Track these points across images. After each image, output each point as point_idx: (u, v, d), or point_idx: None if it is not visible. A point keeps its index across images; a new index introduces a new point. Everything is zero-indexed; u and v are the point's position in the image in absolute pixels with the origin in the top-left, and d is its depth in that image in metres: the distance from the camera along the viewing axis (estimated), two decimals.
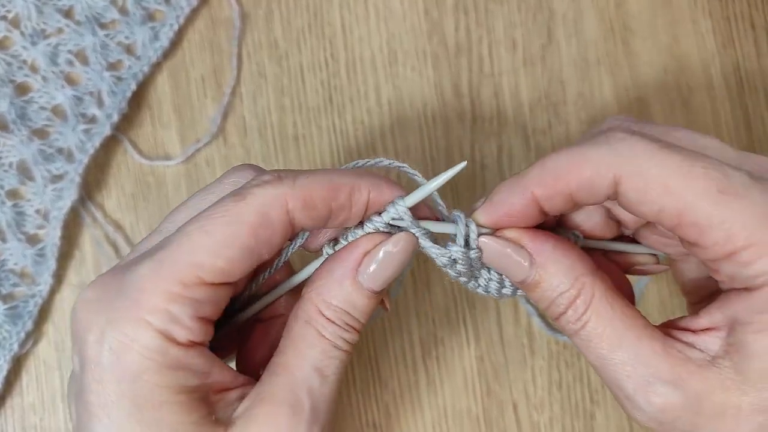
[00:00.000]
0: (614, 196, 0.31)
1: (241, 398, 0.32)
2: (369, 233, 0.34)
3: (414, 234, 0.33)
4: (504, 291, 0.36)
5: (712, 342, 0.31)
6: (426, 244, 0.34)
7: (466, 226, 0.33)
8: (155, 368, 0.30)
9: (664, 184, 0.30)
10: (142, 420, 0.30)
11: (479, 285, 0.36)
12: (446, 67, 0.49)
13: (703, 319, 0.32)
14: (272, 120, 0.49)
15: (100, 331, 0.30)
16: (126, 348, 0.29)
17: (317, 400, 0.32)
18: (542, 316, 0.48)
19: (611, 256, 0.38)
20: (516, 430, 0.48)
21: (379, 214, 0.33)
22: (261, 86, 0.49)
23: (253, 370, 0.35)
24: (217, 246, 0.30)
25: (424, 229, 0.34)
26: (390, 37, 0.49)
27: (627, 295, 0.37)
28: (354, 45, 0.49)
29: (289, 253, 0.35)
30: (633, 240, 0.38)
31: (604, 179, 0.30)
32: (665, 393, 0.31)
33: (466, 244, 0.34)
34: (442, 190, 0.46)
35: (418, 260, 0.48)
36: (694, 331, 0.32)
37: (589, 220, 0.37)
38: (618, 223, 0.37)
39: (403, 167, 0.36)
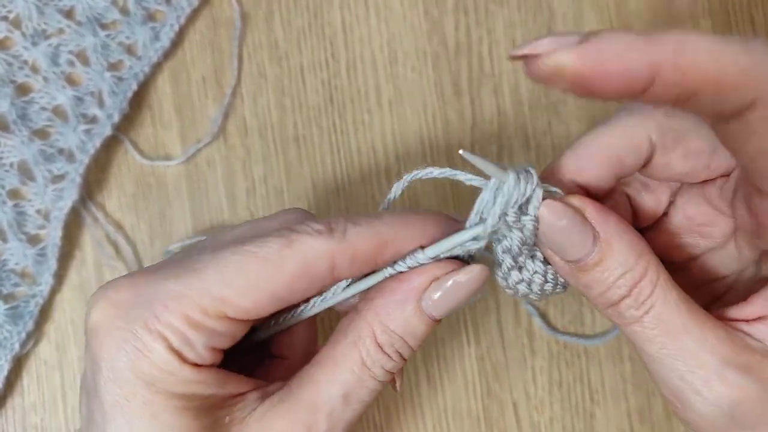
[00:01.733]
0: (733, 114, 0.26)
1: (262, 398, 0.32)
2: (439, 260, 0.31)
3: (487, 268, 0.31)
4: (546, 287, 0.32)
5: (766, 331, 0.29)
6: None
7: (531, 186, 0.29)
8: (168, 379, 0.30)
9: None
10: (154, 422, 0.30)
11: (522, 279, 0.32)
12: (446, 67, 0.49)
13: (756, 306, 0.30)
14: (273, 120, 0.49)
15: (120, 336, 0.30)
16: (141, 356, 0.29)
17: (335, 426, 0.32)
18: (543, 316, 0.48)
19: None
20: (516, 429, 0.48)
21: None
22: (261, 86, 0.49)
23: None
24: (249, 287, 0.30)
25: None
26: (390, 37, 0.49)
27: None
28: (354, 45, 0.49)
29: (316, 305, 0.34)
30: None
31: (744, 93, 0.25)
32: (739, 381, 0.28)
33: (521, 210, 0.29)
34: (444, 195, 0.46)
35: None
36: (746, 321, 0.30)
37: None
38: (634, 215, 0.36)
39: (455, 175, 0.32)
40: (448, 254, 0.31)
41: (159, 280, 0.30)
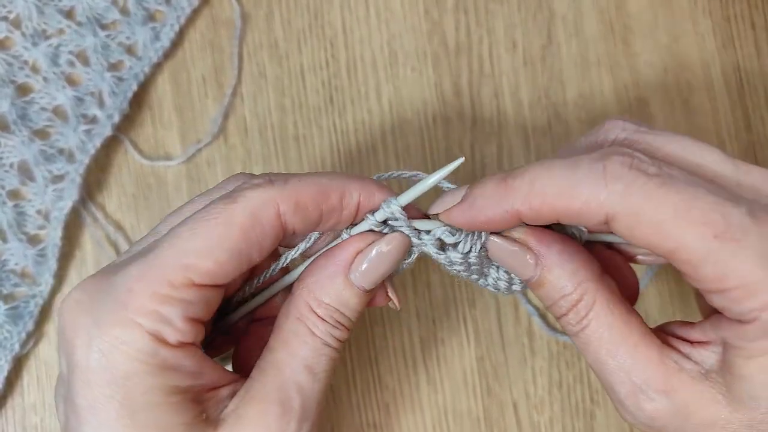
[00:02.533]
0: (605, 227, 0.31)
1: (232, 395, 0.32)
2: (362, 232, 0.34)
3: (407, 234, 0.34)
4: (514, 287, 0.36)
5: (707, 356, 0.32)
6: (429, 249, 0.34)
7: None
8: (145, 370, 0.29)
9: (658, 227, 0.29)
10: (132, 422, 0.29)
11: (488, 283, 0.36)
12: (446, 68, 0.49)
13: (698, 333, 0.32)
14: (273, 120, 0.49)
15: (87, 334, 0.29)
16: (114, 350, 0.29)
17: (307, 398, 0.32)
18: (543, 317, 0.48)
19: (615, 246, 0.38)
20: (516, 430, 0.48)
21: (373, 213, 0.34)
22: (262, 86, 0.49)
23: (248, 370, 0.35)
24: (206, 247, 0.30)
25: (415, 228, 0.34)
26: (390, 37, 0.49)
27: (632, 286, 0.38)
28: (354, 45, 0.49)
29: (288, 259, 0.35)
30: None
31: (595, 214, 0.30)
32: (655, 401, 0.31)
33: (477, 248, 0.34)
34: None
35: (417, 259, 0.48)
36: (691, 342, 0.32)
37: None
38: None
39: (418, 175, 0.36)
40: (417, 195, 0.34)
41: (119, 270, 0.30)
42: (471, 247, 0.34)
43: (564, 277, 0.33)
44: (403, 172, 0.37)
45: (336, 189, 0.33)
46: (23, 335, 0.46)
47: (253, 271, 0.37)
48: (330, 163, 0.49)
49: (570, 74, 0.49)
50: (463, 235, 0.34)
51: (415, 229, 0.34)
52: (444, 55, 0.49)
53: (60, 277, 0.47)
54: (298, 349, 0.33)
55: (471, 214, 0.33)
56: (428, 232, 0.34)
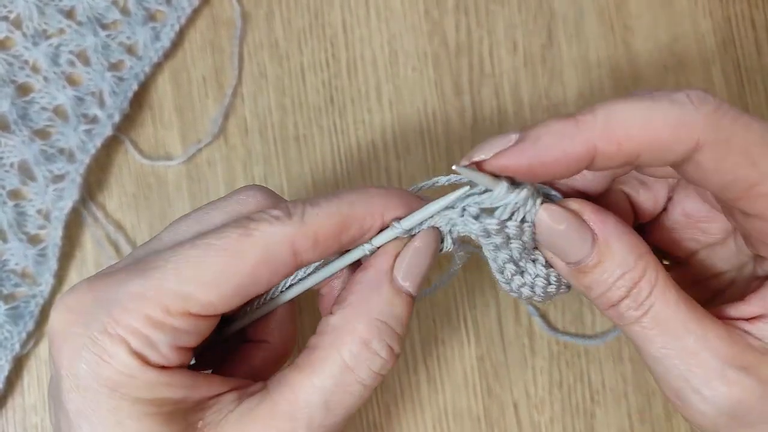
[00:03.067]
0: (682, 162, 0.28)
1: (240, 399, 0.31)
2: (389, 241, 0.32)
3: (435, 227, 0.31)
4: (549, 289, 0.32)
5: (764, 329, 0.29)
6: (469, 225, 0.30)
7: (525, 194, 0.29)
8: (132, 383, 0.28)
9: (746, 153, 0.27)
10: (120, 430, 0.28)
11: (524, 283, 0.32)
12: (447, 68, 0.49)
13: (754, 306, 0.30)
14: (273, 120, 0.49)
15: (77, 342, 0.28)
16: (102, 363, 0.28)
17: None
18: (543, 317, 0.48)
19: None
20: (517, 429, 0.48)
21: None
22: (262, 86, 0.49)
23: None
24: (211, 280, 0.29)
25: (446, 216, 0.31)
26: (391, 37, 0.49)
27: None
28: (355, 45, 0.49)
29: (287, 285, 0.33)
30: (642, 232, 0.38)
31: (684, 143, 0.27)
32: (740, 380, 0.28)
33: (519, 217, 0.30)
34: (443, 192, 0.46)
35: None
36: (745, 320, 0.30)
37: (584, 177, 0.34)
38: (634, 213, 0.36)
39: (459, 179, 0.32)
40: (422, 226, 0.31)
41: (117, 282, 0.29)
42: (512, 214, 0.29)
43: (624, 251, 0.29)
44: (438, 178, 0.34)
45: (357, 218, 0.30)
46: (24, 335, 0.46)
47: None
48: (330, 163, 0.49)
49: (570, 74, 0.49)
50: (505, 198, 0.29)
51: (446, 215, 0.31)
52: (444, 55, 0.49)
53: (60, 277, 0.47)
54: (322, 381, 0.30)
55: (534, 154, 0.28)
56: (453, 208, 0.31)
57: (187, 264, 0.29)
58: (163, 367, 0.29)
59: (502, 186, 0.29)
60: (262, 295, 0.34)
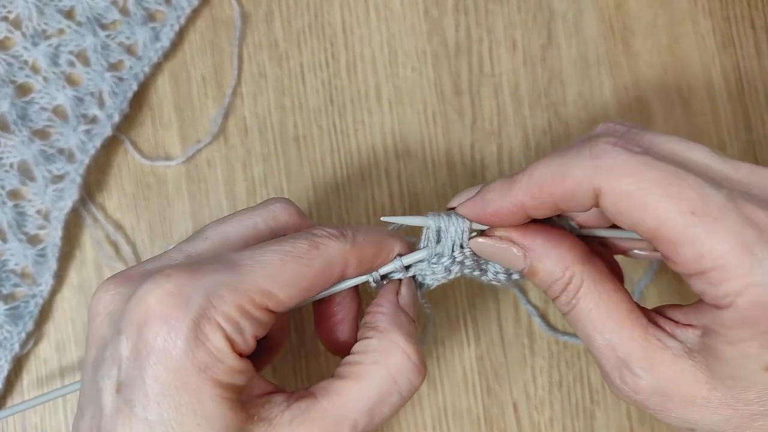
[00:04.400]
0: (598, 218, 0.35)
1: (288, 402, 0.34)
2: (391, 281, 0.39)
3: (411, 278, 0.39)
4: (513, 277, 0.39)
5: (690, 336, 0.33)
6: (428, 275, 0.39)
7: (455, 234, 0.37)
8: (219, 367, 0.31)
9: (639, 200, 0.31)
10: (199, 411, 0.31)
11: (490, 278, 0.40)
12: (446, 67, 0.49)
13: (682, 316, 0.34)
14: (273, 120, 0.49)
15: (178, 323, 0.31)
16: (199, 343, 0.31)
17: None
18: (543, 317, 0.48)
19: (608, 241, 0.39)
20: (516, 429, 0.48)
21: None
22: (261, 86, 0.49)
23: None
24: (288, 281, 0.33)
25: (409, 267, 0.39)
26: (390, 37, 0.49)
27: (617, 276, 0.39)
28: (354, 45, 0.49)
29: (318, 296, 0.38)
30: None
31: (585, 191, 0.32)
32: (637, 375, 0.33)
33: (460, 246, 0.38)
34: (443, 191, 0.46)
35: None
36: (676, 322, 0.34)
37: (582, 212, 0.38)
38: None
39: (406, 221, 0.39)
40: (407, 272, 0.39)
41: (211, 273, 0.32)
42: (452, 249, 0.38)
43: (551, 263, 0.35)
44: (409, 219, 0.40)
45: (386, 248, 0.37)
46: (23, 335, 0.46)
47: None
48: (330, 163, 0.49)
49: (570, 74, 0.49)
50: (446, 248, 0.38)
51: (408, 267, 0.39)
52: (444, 54, 0.49)
53: (60, 277, 0.47)
54: (370, 391, 0.34)
55: (481, 207, 0.36)
56: (421, 261, 0.39)
57: (271, 266, 0.33)
58: (241, 355, 0.32)
59: (427, 219, 0.37)
60: None
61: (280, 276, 0.33)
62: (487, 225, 0.36)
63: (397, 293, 0.38)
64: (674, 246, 0.30)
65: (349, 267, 0.36)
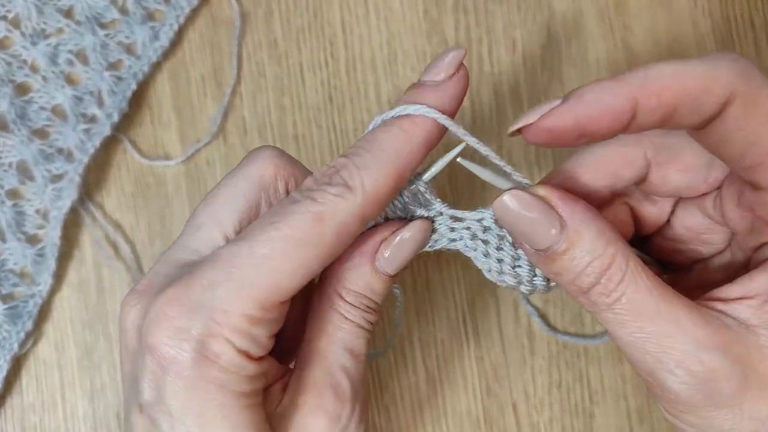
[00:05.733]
0: (715, 117, 0.29)
1: (283, 389, 0.33)
2: (388, 221, 0.34)
3: (428, 220, 0.34)
4: (536, 281, 0.34)
5: (743, 310, 0.30)
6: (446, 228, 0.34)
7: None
8: (237, 380, 0.30)
9: None
10: (226, 424, 0.30)
11: (499, 267, 0.34)
12: None
13: (737, 288, 0.31)
14: (272, 119, 0.49)
15: (183, 347, 0.30)
16: (211, 363, 0.30)
17: (354, 379, 0.33)
18: (543, 317, 0.48)
19: None
20: (516, 430, 0.48)
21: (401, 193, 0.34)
22: (261, 86, 0.49)
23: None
24: (296, 269, 0.30)
25: (444, 208, 0.34)
26: (390, 36, 0.49)
27: None
28: (354, 44, 0.49)
29: None
30: (642, 248, 0.38)
31: (717, 96, 0.28)
32: (712, 360, 0.29)
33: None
34: (443, 191, 0.46)
35: (417, 259, 0.48)
36: (724, 300, 0.31)
37: (612, 217, 0.36)
38: (637, 224, 0.37)
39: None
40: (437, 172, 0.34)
41: (208, 285, 0.30)
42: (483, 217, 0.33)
43: (592, 237, 0.30)
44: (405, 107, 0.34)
45: (409, 166, 0.31)
46: (22, 335, 0.46)
47: None
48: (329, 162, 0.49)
49: (570, 74, 0.49)
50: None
51: (444, 207, 0.34)
52: None
53: (59, 276, 0.47)
54: (337, 335, 0.33)
55: (579, 110, 0.29)
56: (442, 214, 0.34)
57: (273, 259, 0.30)
58: (260, 358, 0.31)
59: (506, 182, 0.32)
60: None
61: (286, 267, 0.30)
62: (584, 136, 0.29)
63: (381, 243, 0.34)
64: None
65: (368, 218, 0.31)
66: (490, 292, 0.48)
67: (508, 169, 0.33)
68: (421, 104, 0.31)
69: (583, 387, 0.48)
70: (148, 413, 0.31)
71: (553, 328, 0.48)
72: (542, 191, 0.31)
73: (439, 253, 0.48)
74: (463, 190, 0.48)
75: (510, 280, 0.34)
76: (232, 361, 0.30)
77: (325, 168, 0.32)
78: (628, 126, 0.29)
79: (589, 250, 0.30)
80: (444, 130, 0.32)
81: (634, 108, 0.28)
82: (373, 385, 0.48)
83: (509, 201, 0.31)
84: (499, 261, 0.34)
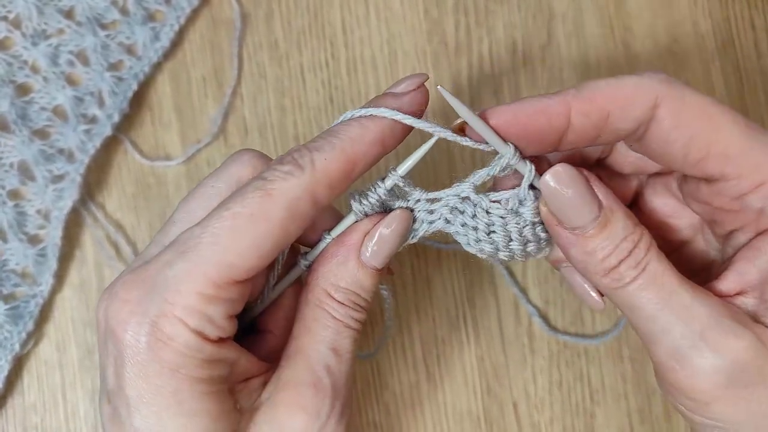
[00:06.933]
0: (645, 126, 0.31)
1: (263, 385, 0.34)
2: (371, 215, 0.35)
3: (407, 210, 0.35)
4: (512, 246, 0.35)
5: (746, 302, 0.31)
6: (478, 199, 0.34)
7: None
8: (192, 363, 0.30)
9: (700, 108, 0.30)
10: (181, 411, 0.30)
11: (513, 248, 0.35)
12: (446, 67, 0.49)
13: (731, 283, 0.32)
14: (273, 120, 0.49)
15: (138, 330, 0.30)
16: (164, 346, 0.30)
17: (336, 378, 0.33)
18: (543, 317, 0.48)
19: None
20: (516, 429, 0.48)
21: (375, 187, 0.35)
22: (261, 86, 0.49)
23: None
24: (248, 246, 0.30)
25: (422, 196, 0.35)
26: (390, 37, 0.49)
27: None
28: (354, 45, 0.49)
29: (308, 262, 0.36)
30: None
31: (645, 100, 0.31)
32: (738, 333, 0.30)
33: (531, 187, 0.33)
34: (432, 183, 0.46)
35: (417, 258, 0.48)
36: (724, 297, 0.32)
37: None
38: None
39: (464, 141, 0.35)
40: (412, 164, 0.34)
41: (162, 266, 0.31)
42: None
43: (625, 217, 0.32)
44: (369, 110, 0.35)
45: (362, 154, 0.32)
46: (23, 335, 0.46)
47: None
48: None
49: (570, 74, 0.49)
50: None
51: (417, 201, 0.35)
52: (444, 54, 0.49)
53: (60, 277, 0.47)
54: (322, 333, 0.34)
55: (517, 107, 0.32)
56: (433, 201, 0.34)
57: (221, 236, 0.30)
58: (219, 340, 0.31)
59: (510, 147, 0.32)
60: (264, 288, 0.37)
61: (236, 244, 0.30)
62: (511, 136, 0.32)
63: (364, 236, 0.34)
64: (730, 159, 0.30)
65: (320, 199, 0.32)
66: (491, 292, 0.48)
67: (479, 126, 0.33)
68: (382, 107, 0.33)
69: (583, 386, 0.48)
70: (112, 402, 0.31)
71: (553, 328, 0.48)
72: (585, 171, 0.32)
73: (440, 253, 0.48)
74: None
75: (487, 247, 0.35)
76: (187, 342, 0.30)
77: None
78: (567, 131, 0.31)
79: (624, 227, 0.31)
80: (401, 136, 0.34)
81: (568, 111, 0.31)
82: (373, 383, 0.48)
83: (551, 178, 0.32)
84: (475, 229, 0.34)
